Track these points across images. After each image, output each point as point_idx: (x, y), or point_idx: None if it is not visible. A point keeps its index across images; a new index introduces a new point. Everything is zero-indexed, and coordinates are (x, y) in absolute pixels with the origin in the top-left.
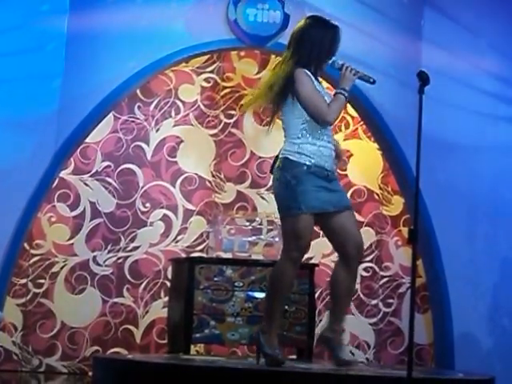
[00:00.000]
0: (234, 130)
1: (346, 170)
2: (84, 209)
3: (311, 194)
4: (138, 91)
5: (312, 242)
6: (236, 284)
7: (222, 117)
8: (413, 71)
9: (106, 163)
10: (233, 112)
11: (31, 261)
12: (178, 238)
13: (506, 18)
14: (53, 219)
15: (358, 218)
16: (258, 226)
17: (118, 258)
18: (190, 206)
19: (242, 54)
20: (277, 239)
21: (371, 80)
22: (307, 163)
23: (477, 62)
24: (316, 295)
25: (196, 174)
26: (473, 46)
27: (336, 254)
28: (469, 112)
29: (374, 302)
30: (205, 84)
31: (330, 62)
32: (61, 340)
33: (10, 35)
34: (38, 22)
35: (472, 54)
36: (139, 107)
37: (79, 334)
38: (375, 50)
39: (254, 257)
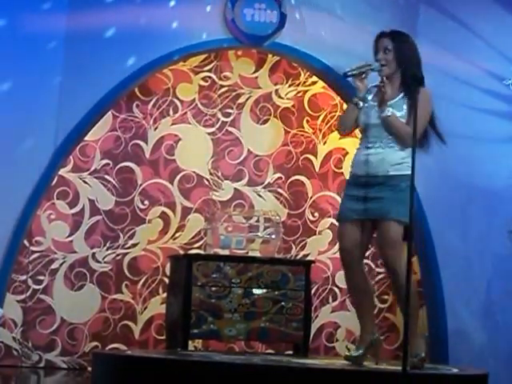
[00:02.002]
0: (231, 129)
1: (341, 168)
2: (83, 206)
3: (342, 203)
4: (136, 90)
5: (308, 239)
6: (233, 280)
7: (219, 115)
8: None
9: (105, 161)
10: (230, 111)
11: (31, 257)
12: (176, 235)
13: (502, 15)
14: (52, 216)
15: None
16: (255, 224)
17: (117, 255)
18: (188, 204)
19: (240, 53)
20: (273, 236)
21: (372, 67)
22: (350, 172)
23: (473, 59)
24: (312, 291)
25: (194, 172)
26: (469, 44)
27: (332, 251)
28: (465, 110)
29: None
30: (202, 83)
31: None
32: (60, 336)
33: (9, 34)
34: (37, 21)
35: (468, 52)
36: (138, 106)
37: (78, 330)
38: (371, 48)
39: (251, 254)
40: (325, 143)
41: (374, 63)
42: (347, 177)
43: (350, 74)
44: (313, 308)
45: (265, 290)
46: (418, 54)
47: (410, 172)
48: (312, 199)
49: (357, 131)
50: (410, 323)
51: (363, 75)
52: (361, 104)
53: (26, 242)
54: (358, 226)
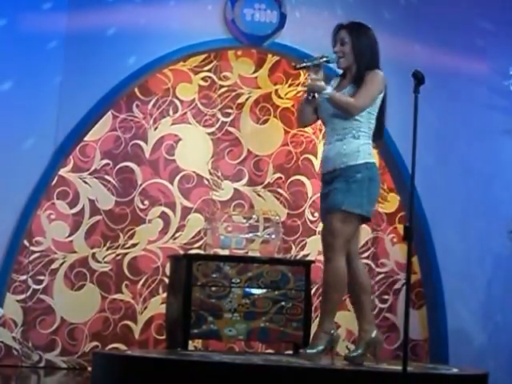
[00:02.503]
0: (230, 129)
1: None
2: (83, 206)
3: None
4: (136, 90)
5: (308, 239)
6: (233, 280)
7: (219, 115)
8: (409, 69)
9: (105, 161)
10: (230, 111)
11: (31, 257)
12: (176, 235)
13: (503, 14)
14: (52, 216)
15: None
16: (255, 224)
17: (117, 255)
18: (188, 204)
19: (239, 53)
20: (273, 236)
21: (327, 60)
22: None
23: (472, 60)
24: (312, 291)
25: (194, 172)
26: (469, 43)
27: None
28: (465, 109)
29: None
30: (202, 83)
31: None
32: (60, 336)
33: (10, 34)
34: (37, 21)
35: (468, 51)
36: (137, 106)
37: (79, 330)
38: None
39: (250, 254)
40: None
41: (330, 55)
42: None
43: (299, 66)
44: (313, 308)
45: (265, 290)
46: (376, 46)
47: (367, 160)
48: (312, 199)
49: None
50: (362, 302)
51: (317, 68)
52: (316, 96)
53: (26, 242)
54: None
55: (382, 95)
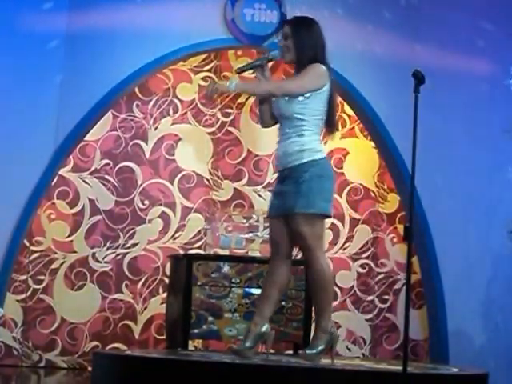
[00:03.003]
0: (231, 129)
1: (342, 168)
2: (83, 206)
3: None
4: (136, 90)
5: None
6: (233, 280)
7: (219, 115)
8: (409, 69)
9: (105, 161)
10: (230, 111)
11: (31, 257)
12: (176, 235)
13: (504, 15)
14: (52, 216)
15: (355, 215)
16: (255, 223)
17: (117, 255)
18: (188, 204)
19: (239, 53)
20: None
21: (269, 57)
22: None
23: (473, 60)
24: None
25: (194, 172)
26: (469, 41)
27: (332, 251)
28: (465, 109)
29: (370, 298)
30: (202, 83)
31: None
32: (60, 335)
33: (10, 33)
34: (38, 20)
35: (468, 52)
36: (138, 106)
37: (79, 330)
38: (372, 48)
39: (250, 253)
40: (325, 143)
41: (273, 52)
42: (344, 176)
43: (239, 70)
44: (313, 308)
45: None
46: (320, 40)
47: (313, 157)
48: None
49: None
50: (318, 299)
51: (261, 67)
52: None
53: (26, 242)
54: (281, 221)
55: (325, 89)
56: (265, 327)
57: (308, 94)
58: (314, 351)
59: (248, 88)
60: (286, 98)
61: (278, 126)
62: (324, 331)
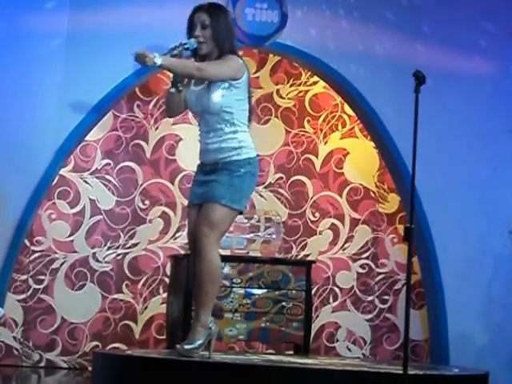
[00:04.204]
0: None
1: (342, 168)
2: (84, 206)
3: (190, 189)
4: (137, 90)
5: (308, 240)
6: (234, 280)
7: None
8: (410, 69)
9: (106, 161)
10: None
11: (32, 257)
12: (177, 234)
13: (507, 14)
14: (53, 216)
15: (355, 215)
16: (256, 224)
17: (118, 255)
18: None
19: (240, 53)
20: (274, 236)
21: (186, 47)
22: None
23: (475, 56)
24: (313, 291)
25: (194, 172)
26: (471, 41)
27: (333, 251)
28: (466, 108)
29: (370, 298)
30: None
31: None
32: (61, 335)
33: (11, 33)
34: (39, 20)
35: (470, 49)
36: (138, 106)
37: (79, 330)
38: (373, 48)
39: (251, 254)
40: (326, 143)
41: (189, 41)
42: (344, 176)
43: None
44: (313, 308)
45: (265, 290)
46: (233, 28)
47: (250, 155)
48: (313, 199)
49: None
50: (203, 292)
51: (178, 58)
52: (180, 88)
53: (26, 242)
54: (198, 209)
55: (244, 79)
56: (212, 324)
57: (227, 85)
58: (192, 346)
59: (174, 65)
60: (209, 93)
61: (198, 120)
62: (203, 325)
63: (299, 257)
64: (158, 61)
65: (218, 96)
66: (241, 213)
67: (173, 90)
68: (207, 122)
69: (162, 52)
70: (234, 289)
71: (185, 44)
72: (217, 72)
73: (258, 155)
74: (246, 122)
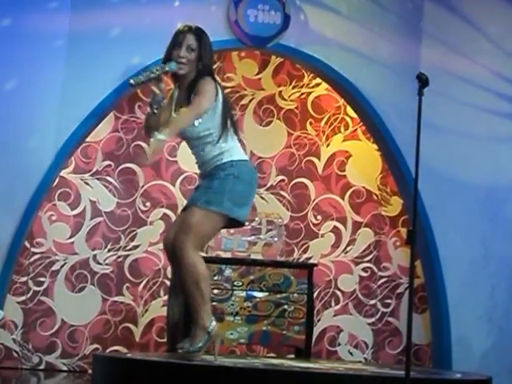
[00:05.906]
0: None
1: (345, 170)
2: (84, 208)
3: None
4: (138, 91)
5: (310, 242)
6: (235, 283)
7: None
8: (413, 72)
9: (107, 162)
10: (233, 112)
11: (32, 259)
12: None
13: (510, 15)
14: (53, 218)
15: (357, 218)
16: (258, 226)
17: (118, 257)
18: None
19: (243, 54)
20: (276, 239)
21: (166, 69)
22: None
23: (478, 59)
24: (314, 295)
25: (195, 174)
26: (475, 45)
27: (335, 254)
28: (469, 110)
29: (372, 302)
30: None
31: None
32: (61, 338)
33: (13, 34)
34: (41, 20)
35: (473, 51)
36: (140, 107)
37: (79, 332)
38: (376, 50)
39: (253, 256)
40: (328, 145)
41: (169, 64)
42: (347, 179)
43: (134, 83)
44: (315, 311)
45: (267, 293)
46: (212, 51)
47: (233, 158)
48: (315, 202)
49: None
50: (192, 298)
51: (157, 80)
52: (155, 111)
53: (26, 244)
54: None
55: (219, 98)
56: (213, 326)
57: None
58: (192, 349)
59: (179, 125)
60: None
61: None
62: (203, 329)
63: (301, 260)
64: (164, 137)
65: (195, 123)
66: (236, 220)
67: (149, 110)
68: (191, 145)
69: (138, 73)
70: (235, 292)
71: (163, 67)
72: (202, 109)
73: (247, 159)
74: (228, 133)
